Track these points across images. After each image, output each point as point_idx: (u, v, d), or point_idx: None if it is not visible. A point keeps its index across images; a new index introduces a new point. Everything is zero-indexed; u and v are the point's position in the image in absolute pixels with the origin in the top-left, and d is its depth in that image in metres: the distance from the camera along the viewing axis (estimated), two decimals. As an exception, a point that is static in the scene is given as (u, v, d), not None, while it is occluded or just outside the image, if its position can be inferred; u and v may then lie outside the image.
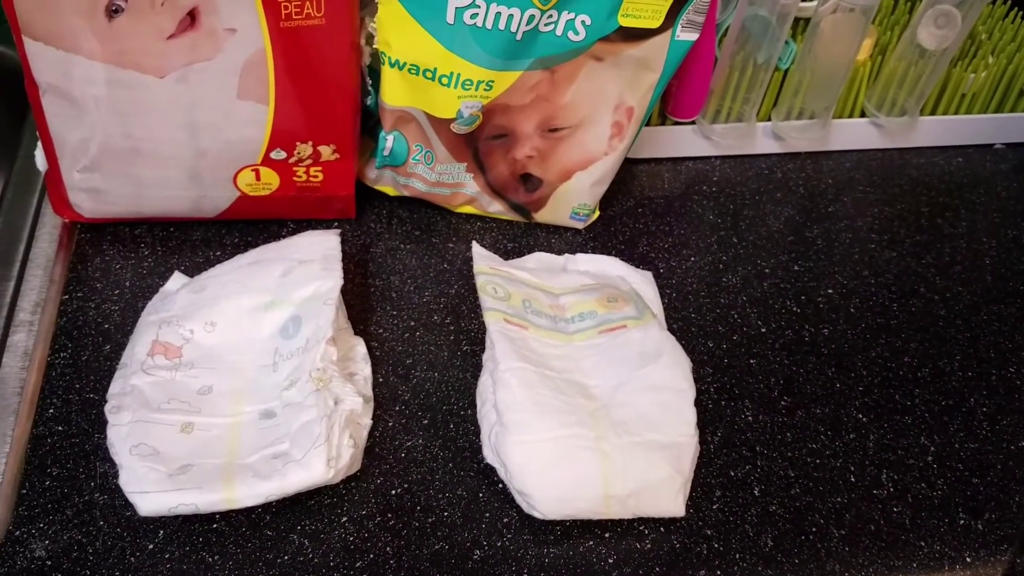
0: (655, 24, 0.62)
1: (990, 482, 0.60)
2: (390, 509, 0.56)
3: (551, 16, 0.61)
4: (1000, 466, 0.61)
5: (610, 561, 0.55)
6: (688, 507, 0.56)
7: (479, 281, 0.63)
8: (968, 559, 0.57)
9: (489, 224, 0.74)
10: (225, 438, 0.54)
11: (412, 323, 0.66)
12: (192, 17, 0.58)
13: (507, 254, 0.72)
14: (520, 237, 0.74)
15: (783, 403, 0.64)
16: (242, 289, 0.60)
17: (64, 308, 0.64)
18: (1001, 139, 0.86)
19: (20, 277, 0.66)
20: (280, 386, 0.56)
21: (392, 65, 0.64)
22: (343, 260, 0.63)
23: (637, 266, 0.70)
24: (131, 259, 0.68)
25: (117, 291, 0.66)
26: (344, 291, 0.62)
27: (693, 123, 0.79)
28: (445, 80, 0.63)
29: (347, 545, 0.54)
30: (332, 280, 0.60)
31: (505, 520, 0.56)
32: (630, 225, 0.75)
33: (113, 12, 0.57)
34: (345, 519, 0.55)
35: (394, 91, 0.65)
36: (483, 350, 0.62)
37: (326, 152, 0.66)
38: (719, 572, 0.55)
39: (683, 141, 0.80)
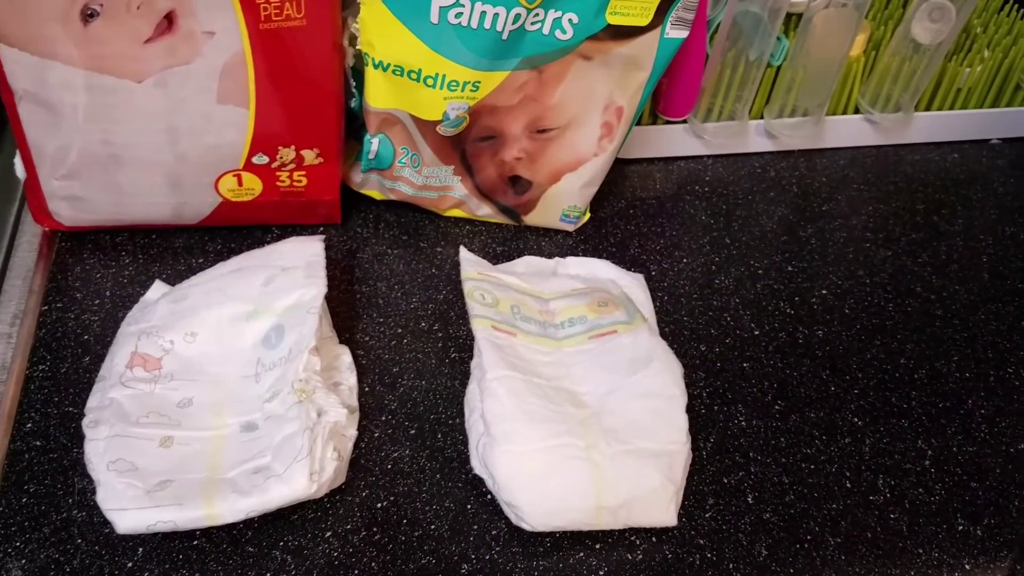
0: (644, 22, 0.61)
1: (989, 486, 0.59)
2: (375, 523, 0.54)
3: (537, 15, 0.60)
4: (999, 470, 0.60)
5: (601, 573, 0.53)
6: (680, 516, 0.55)
7: (466, 287, 0.61)
8: (967, 566, 0.55)
9: (478, 227, 0.73)
10: (205, 452, 0.53)
11: (399, 330, 0.65)
12: (169, 20, 0.57)
13: (496, 258, 0.70)
14: (510, 240, 0.72)
15: (777, 407, 0.62)
16: (223, 298, 0.59)
17: (43, 319, 0.63)
18: (997, 134, 0.85)
19: (-1, 288, 0.65)
20: (262, 398, 0.55)
21: (376, 66, 0.62)
22: (328, 266, 0.61)
23: (628, 268, 0.69)
24: (112, 268, 0.67)
25: (97, 301, 0.64)
26: (329, 298, 0.61)
27: (684, 122, 0.78)
28: (430, 81, 0.62)
29: (331, 561, 0.53)
30: (315, 288, 0.59)
31: (494, 532, 0.55)
32: (621, 227, 0.74)
33: (88, 16, 0.56)
34: (329, 534, 0.54)
35: (378, 93, 0.64)
36: (472, 357, 0.61)
37: (309, 156, 0.65)
38: (713, 583, 0.54)
39: (674, 140, 0.79)
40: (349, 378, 0.60)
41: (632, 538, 0.55)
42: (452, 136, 0.66)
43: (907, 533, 0.56)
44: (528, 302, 0.62)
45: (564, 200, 0.71)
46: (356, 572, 0.52)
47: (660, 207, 0.76)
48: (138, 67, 0.58)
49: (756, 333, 0.67)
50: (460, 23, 0.59)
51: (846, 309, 0.69)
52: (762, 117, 0.79)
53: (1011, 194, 0.80)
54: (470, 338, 0.59)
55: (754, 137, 0.80)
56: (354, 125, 0.68)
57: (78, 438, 0.55)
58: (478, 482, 0.56)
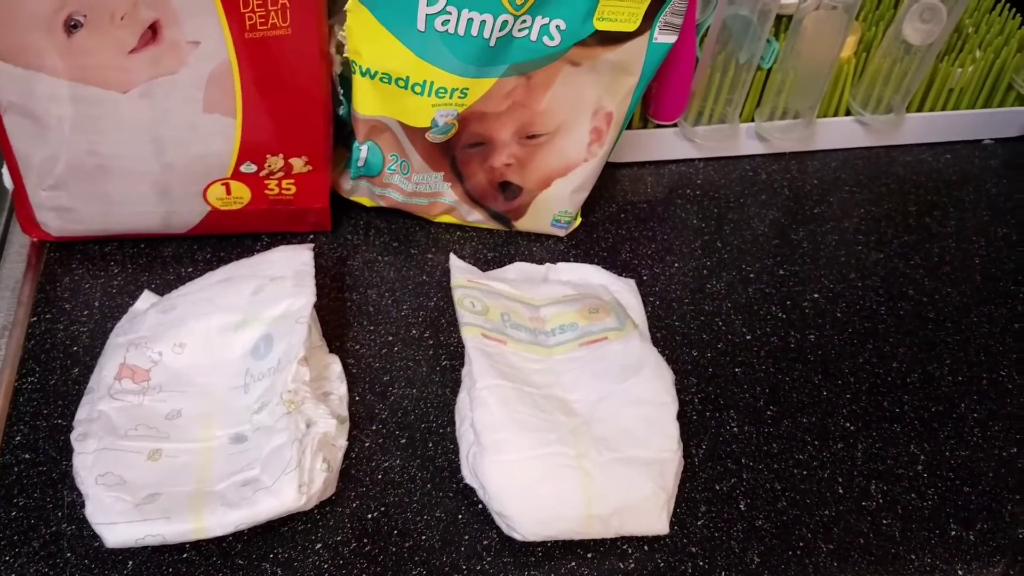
0: (632, 27, 0.61)
1: (982, 491, 0.59)
2: (366, 534, 0.54)
3: (525, 21, 0.59)
4: (992, 474, 0.60)
5: (593, 582, 0.53)
6: (672, 524, 0.55)
7: (456, 295, 0.61)
8: (960, 572, 0.55)
9: (469, 233, 0.73)
10: (194, 465, 0.53)
11: (390, 338, 0.65)
12: (154, 31, 0.56)
13: (487, 264, 0.70)
14: (501, 246, 0.72)
15: (769, 413, 0.62)
16: (212, 308, 0.58)
17: (32, 330, 0.63)
18: (990, 134, 0.85)
19: (-13, 299, 0.65)
20: (251, 409, 0.55)
21: (363, 74, 0.62)
22: (318, 274, 0.61)
23: (620, 273, 0.69)
24: (101, 278, 0.66)
25: (86, 312, 0.64)
26: (319, 306, 0.60)
27: (675, 125, 0.78)
28: (418, 88, 0.62)
29: (321, 573, 0.52)
30: (304, 297, 0.58)
31: (485, 542, 0.54)
32: (612, 231, 0.74)
33: (72, 27, 0.55)
34: (319, 546, 0.53)
35: (366, 101, 0.64)
36: (462, 365, 0.61)
37: (298, 164, 0.65)
38: (705, 591, 0.54)
39: (665, 144, 0.79)
40: (339, 387, 0.60)
41: (624, 547, 0.55)
42: (441, 143, 0.65)
43: (900, 539, 0.56)
44: (519, 309, 0.62)
45: (555, 205, 0.70)
46: (346, 584, 0.52)
47: (651, 211, 0.76)
48: (123, 78, 0.58)
49: (748, 338, 0.67)
50: (447, 30, 0.59)
51: (838, 313, 0.69)
52: (753, 120, 0.79)
53: (1004, 195, 0.80)
54: (461, 345, 0.59)
55: (745, 140, 0.80)
56: (343, 132, 0.68)
57: (67, 451, 0.55)
58: (469, 492, 0.56)
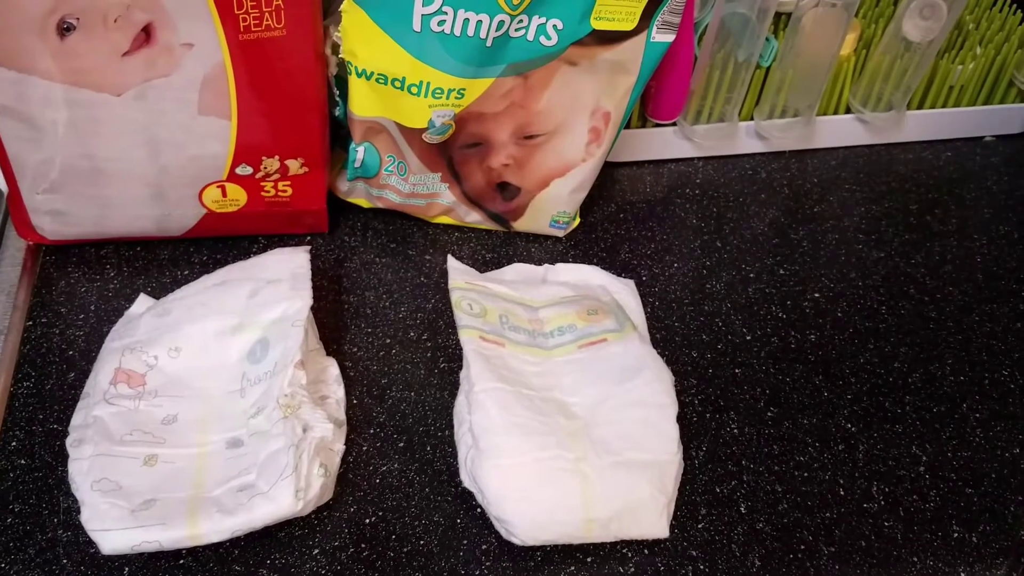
0: (629, 26, 0.60)
1: (984, 492, 0.59)
2: (364, 539, 0.54)
3: (521, 21, 0.59)
4: (994, 475, 0.60)
5: (592, 586, 0.53)
6: (672, 527, 0.55)
7: (454, 297, 0.61)
8: (963, 574, 0.55)
9: (467, 234, 0.72)
10: (190, 470, 0.53)
11: (387, 340, 0.64)
12: (147, 33, 0.56)
13: (486, 264, 0.70)
14: (499, 247, 0.72)
15: (769, 414, 0.62)
16: (207, 312, 0.58)
17: (28, 335, 0.63)
18: (991, 131, 0.84)
19: (-18, 304, 0.65)
20: (247, 413, 0.55)
21: (359, 75, 0.62)
22: (315, 276, 0.61)
23: (619, 274, 0.68)
24: (96, 281, 0.66)
25: (82, 316, 0.64)
26: (316, 309, 0.60)
27: (674, 124, 0.77)
28: (415, 89, 0.61)
29: (319, 579, 0.52)
30: (301, 300, 0.58)
31: (484, 547, 0.54)
32: (611, 231, 0.73)
33: (65, 30, 0.55)
34: (317, 551, 0.53)
35: (362, 102, 0.63)
36: (461, 367, 0.60)
37: (294, 166, 0.64)
38: (705, 595, 0.53)
39: (664, 143, 0.78)
40: (337, 391, 0.59)
41: (624, 551, 0.54)
42: (438, 143, 0.65)
43: (901, 541, 0.56)
44: (517, 311, 0.62)
45: (553, 206, 0.70)
46: (344, 590, 0.52)
47: (650, 211, 0.75)
48: (117, 80, 0.57)
49: (748, 338, 0.66)
50: (443, 31, 0.58)
51: (839, 312, 0.69)
52: (752, 118, 0.78)
53: (1005, 192, 0.79)
54: (459, 347, 0.59)
55: (744, 139, 0.79)
56: (339, 134, 0.68)
57: (63, 456, 0.54)
58: (468, 495, 0.56)
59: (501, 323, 0.60)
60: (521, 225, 0.72)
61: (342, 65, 0.62)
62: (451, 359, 0.63)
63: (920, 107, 0.81)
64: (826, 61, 0.74)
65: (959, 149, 0.83)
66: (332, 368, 0.60)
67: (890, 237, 0.75)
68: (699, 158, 0.80)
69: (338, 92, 0.65)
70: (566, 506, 0.52)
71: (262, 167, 0.64)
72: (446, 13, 0.58)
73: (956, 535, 0.56)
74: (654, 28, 0.61)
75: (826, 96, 0.78)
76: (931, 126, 0.82)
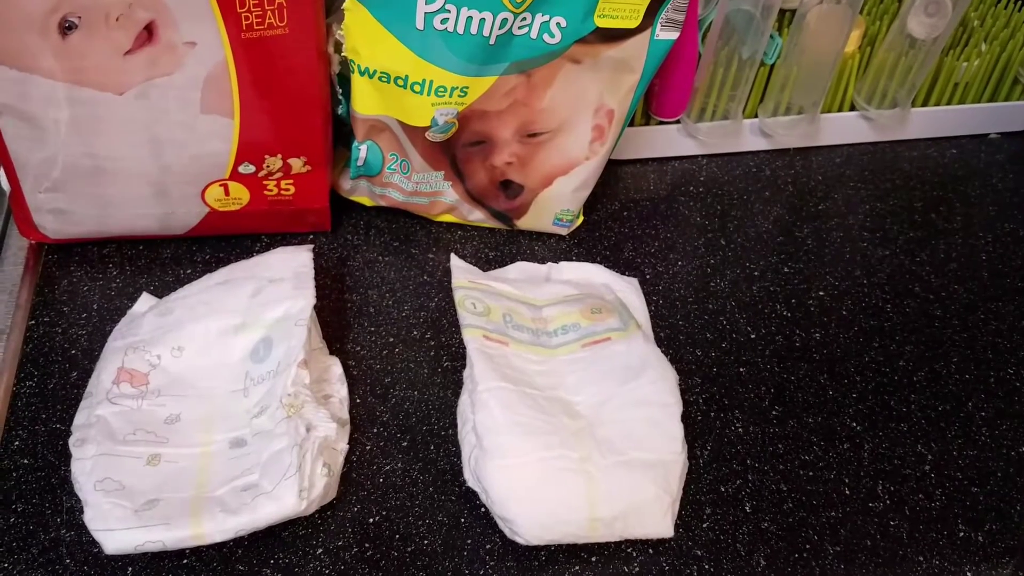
0: (633, 24, 0.60)
1: (990, 491, 0.58)
2: (367, 539, 0.54)
3: (525, 19, 0.59)
4: (1000, 473, 0.59)
5: (597, 586, 0.53)
6: (677, 527, 0.54)
7: (457, 296, 0.61)
8: (969, 573, 0.55)
9: (470, 232, 0.72)
10: (193, 470, 0.52)
11: (391, 339, 0.64)
12: (149, 31, 0.56)
13: (489, 263, 0.70)
14: (502, 245, 0.71)
15: (774, 413, 0.62)
16: (210, 311, 0.58)
17: (30, 334, 0.62)
18: (996, 128, 0.84)
19: (-15, 303, 0.65)
20: (250, 413, 0.55)
21: (362, 73, 0.61)
22: (318, 275, 0.61)
23: (623, 272, 0.68)
24: (99, 280, 0.66)
25: (85, 315, 0.64)
26: (320, 307, 0.60)
27: (678, 122, 0.77)
28: (417, 87, 0.61)
29: (323, 578, 0.52)
30: (304, 299, 0.58)
31: (488, 547, 0.54)
32: (615, 229, 0.73)
33: (67, 29, 0.55)
34: (320, 551, 0.53)
35: (365, 100, 0.63)
36: (464, 366, 0.60)
37: (297, 164, 0.64)
38: (710, 594, 0.53)
39: (668, 141, 0.78)
40: (340, 390, 0.59)
41: (628, 550, 0.54)
42: (441, 142, 0.65)
43: (907, 540, 0.56)
44: (520, 310, 0.61)
45: (556, 204, 0.70)
46: (348, 590, 0.52)
47: (654, 209, 0.75)
48: (119, 79, 0.57)
49: (752, 337, 0.66)
50: (446, 28, 0.58)
51: (843, 311, 0.68)
52: (756, 116, 0.78)
53: (1010, 190, 0.79)
54: (463, 346, 0.59)
55: (748, 136, 0.79)
56: (342, 132, 0.68)
57: (66, 456, 0.54)
58: (471, 495, 0.55)
59: (505, 322, 0.60)
60: (524, 223, 0.71)
61: (345, 63, 0.62)
62: (455, 358, 0.63)
63: (925, 104, 0.81)
64: (831, 58, 0.74)
65: (964, 146, 0.83)
66: (335, 367, 0.60)
67: (895, 235, 0.74)
68: (703, 156, 0.79)
69: (341, 90, 0.65)
70: (570, 506, 0.52)
71: (265, 166, 0.63)
72: (449, 11, 0.58)
73: (962, 534, 0.56)
74: (658, 25, 0.61)
75: (831, 93, 0.78)
76: (936, 123, 0.82)
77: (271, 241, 0.69)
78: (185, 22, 0.55)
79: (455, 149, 0.66)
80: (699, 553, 0.54)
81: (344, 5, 0.58)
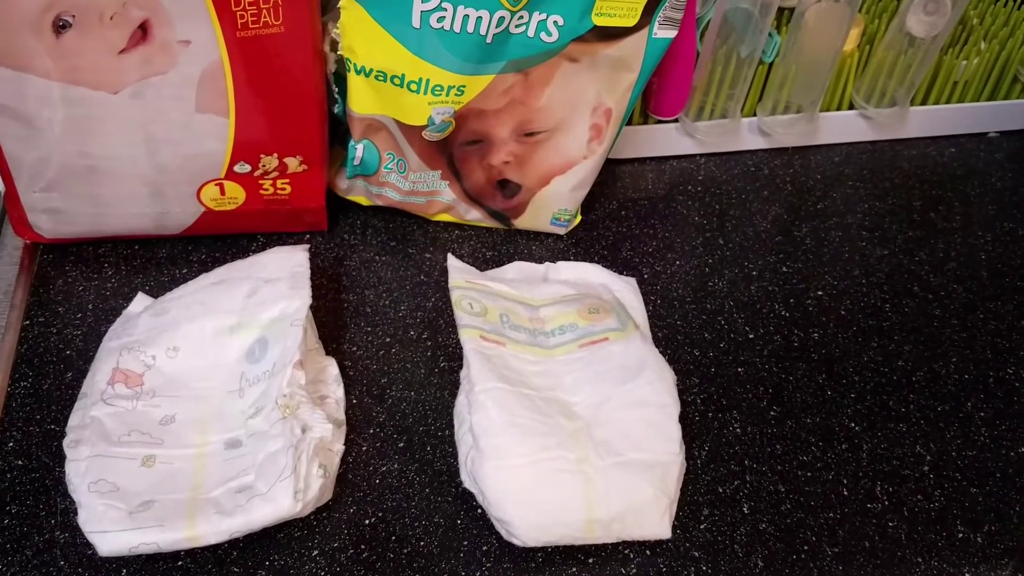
0: (631, 22, 0.60)
1: (989, 492, 0.58)
2: (363, 540, 0.53)
3: (522, 17, 0.58)
4: (999, 474, 0.59)
5: (594, 588, 0.53)
6: (674, 528, 0.54)
7: (454, 296, 0.60)
8: (967, 575, 0.54)
9: (467, 232, 0.72)
10: (188, 471, 0.52)
11: (387, 339, 0.64)
12: (144, 30, 0.55)
13: (486, 263, 0.69)
14: (500, 245, 0.71)
15: (772, 413, 0.61)
16: (206, 311, 0.58)
17: (25, 334, 0.62)
18: (995, 127, 0.84)
19: (-21, 303, 0.64)
20: (246, 414, 0.54)
21: (358, 72, 0.61)
22: (315, 274, 0.61)
23: (620, 272, 0.68)
24: (94, 280, 0.66)
25: (80, 315, 0.63)
26: (316, 308, 0.60)
27: (676, 121, 0.76)
28: (414, 86, 0.61)
29: (318, 580, 0.52)
30: (300, 300, 0.57)
31: (484, 548, 0.54)
32: (613, 229, 0.73)
33: (60, 28, 0.54)
34: (316, 552, 0.53)
35: (362, 99, 0.63)
36: (462, 366, 0.60)
37: (293, 164, 0.64)
38: (708, 596, 0.53)
39: (666, 140, 0.78)
40: (336, 391, 0.59)
41: (626, 552, 0.54)
42: (438, 141, 0.64)
43: (906, 541, 0.55)
44: (518, 310, 0.61)
45: (554, 203, 0.69)
46: (343, 592, 0.51)
47: (652, 208, 0.75)
48: (114, 78, 0.57)
49: (751, 336, 0.66)
50: (442, 27, 0.58)
51: (842, 310, 0.68)
52: (755, 115, 0.78)
53: (1009, 189, 0.79)
54: (460, 346, 0.58)
55: (747, 135, 0.79)
56: (338, 131, 0.67)
57: (60, 457, 0.54)
58: (468, 496, 0.55)
59: (502, 322, 0.60)
60: (522, 223, 0.71)
61: (341, 62, 0.62)
62: (451, 358, 0.63)
63: (924, 103, 0.81)
64: (829, 57, 0.73)
65: (963, 145, 0.82)
66: (331, 368, 0.60)
67: (894, 234, 0.74)
68: (701, 155, 0.79)
69: (337, 89, 0.64)
70: (567, 507, 0.52)
71: (260, 165, 0.63)
72: (445, 9, 0.57)
73: (961, 535, 0.56)
74: (656, 24, 0.60)
75: (829, 92, 0.78)
76: (935, 122, 0.82)
77: (267, 241, 0.69)
78: (180, 21, 0.55)
79: (452, 148, 0.65)
80: (697, 554, 0.54)
81: (340, 3, 0.58)
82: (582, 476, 0.52)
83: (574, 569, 0.53)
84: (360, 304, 0.66)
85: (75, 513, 0.50)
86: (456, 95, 0.61)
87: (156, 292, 0.63)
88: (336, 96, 0.65)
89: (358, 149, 0.66)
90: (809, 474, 0.58)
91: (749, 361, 0.64)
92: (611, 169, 0.77)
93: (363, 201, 0.71)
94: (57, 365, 0.60)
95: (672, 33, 0.62)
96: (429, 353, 0.63)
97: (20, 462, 0.56)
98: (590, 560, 0.53)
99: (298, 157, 0.64)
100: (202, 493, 0.51)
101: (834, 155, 0.80)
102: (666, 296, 0.68)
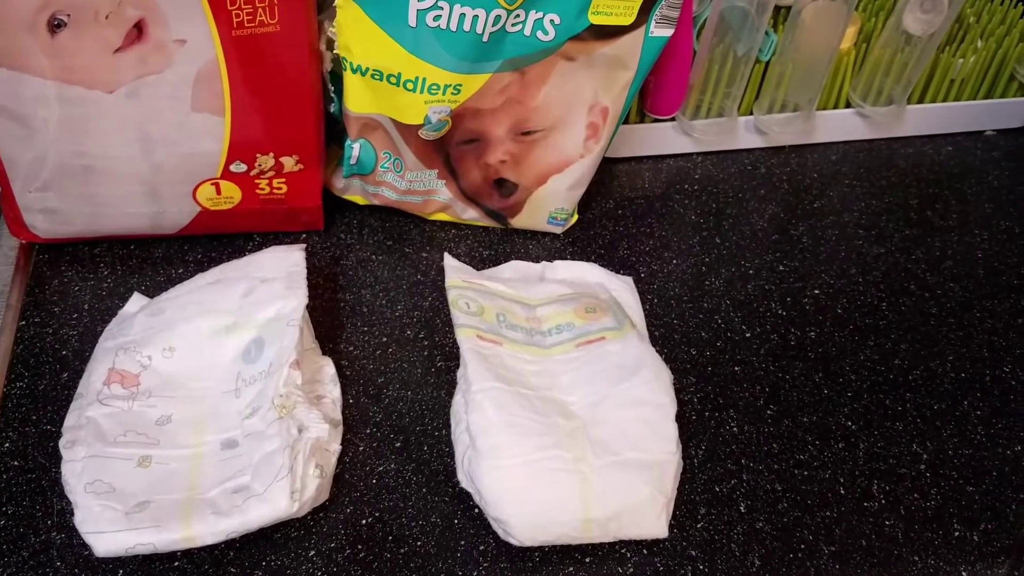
0: (627, 21, 0.60)
1: (986, 490, 0.58)
2: (360, 540, 0.53)
3: (518, 16, 0.58)
4: (996, 472, 0.59)
5: (591, 587, 0.53)
6: (671, 527, 0.54)
7: (451, 295, 0.60)
8: (964, 573, 0.54)
9: (464, 231, 0.72)
10: (184, 471, 0.52)
11: (384, 339, 0.64)
12: (139, 29, 0.55)
13: (483, 262, 0.69)
14: (497, 244, 0.71)
15: (769, 412, 0.61)
16: (202, 311, 0.57)
17: (21, 335, 0.62)
18: (992, 125, 0.84)
19: (-25, 304, 0.64)
20: (242, 414, 0.54)
21: (354, 71, 0.61)
22: (311, 274, 0.60)
23: (617, 271, 0.68)
24: (90, 280, 0.65)
25: (76, 315, 0.63)
26: (312, 307, 0.60)
27: (673, 120, 0.76)
28: (410, 85, 0.61)
29: (315, 581, 0.52)
30: (296, 299, 0.57)
31: (481, 548, 0.54)
32: (610, 228, 0.73)
33: (56, 27, 0.54)
34: (313, 553, 0.53)
35: (358, 98, 0.63)
36: (458, 366, 0.60)
37: (289, 163, 0.64)
38: (705, 595, 0.53)
39: (663, 138, 0.77)
40: (333, 391, 0.59)
41: (623, 551, 0.54)
42: (435, 140, 0.64)
43: (902, 540, 0.55)
44: (514, 309, 0.61)
45: (551, 203, 0.69)
46: (340, 592, 0.51)
47: (649, 207, 0.75)
48: (109, 77, 0.57)
49: (747, 335, 0.66)
50: (439, 26, 0.58)
51: (839, 309, 0.68)
52: (752, 113, 0.78)
53: (1006, 187, 0.79)
54: (456, 346, 0.58)
55: (744, 134, 0.79)
56: (334, 130, 0.67)
57: (56, 458, 0.54)
58: (465, 496, 0.55)
59: (498, 321, 0.59)
60: (519, 222, 0.71)
61: (337, 61, 0.62)
62: (448, 358, 0.63)
63: (921, 101, 0.81)
64: (826, 55, 0.73)
65: (960, 143, 0.82)
66: (328, 367, 0.59)
67: (890, 232, 0.74)
68: (698, 153, 0.79)
69: (333, 88, 0.64)
70: (564, 506, 0.52)
71: (256, 164, 0.63)
72: (442, 8, 0.57)
73: (957, 534, 0.56)
74: (652, 22, 0.60)
75: (826, 90, 0.78)
76: (932, 120, 0.82)
77: (263, 240, 0.69)
78: (175, 20, 0.55)
79: (449, 147, 0.65)
80: (693, 553, 0.54)
81: (336, 2, 0.58)
82: (579, 475, 0.52)
83: (571, 568, 0.53)
84: (357, 304, 0.66)
85: (71, 514, 0.50)
86: (452, 94, 0.61)
87: (152, 292, 0.63)
88: (332, 95, 0.65)
89: (354, 148, 0.65)
90: (806, 473, 0.58)
91: (746, 360, 0.64)
92: (608, 168, 0.77)
93: (359, 200, 0.71)
94: (53, 365, 0.60)
95: (669, 32, 0.62)
96: (426, 353, 0.63)
97: (16, 463, 0.56)
98: (587, 559, 0.53)
99: (294, 156, 0.63)
100: (198, 493, 0.51)
101: (831, 153, 0.80)
102: (663, 295, 0.68)
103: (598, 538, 0.53)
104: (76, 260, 0.67)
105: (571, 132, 0.65)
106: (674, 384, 0.58)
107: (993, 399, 0.63)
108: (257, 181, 0.64)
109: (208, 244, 0.68)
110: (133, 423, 0.54)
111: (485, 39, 0.59)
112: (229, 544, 0.52)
